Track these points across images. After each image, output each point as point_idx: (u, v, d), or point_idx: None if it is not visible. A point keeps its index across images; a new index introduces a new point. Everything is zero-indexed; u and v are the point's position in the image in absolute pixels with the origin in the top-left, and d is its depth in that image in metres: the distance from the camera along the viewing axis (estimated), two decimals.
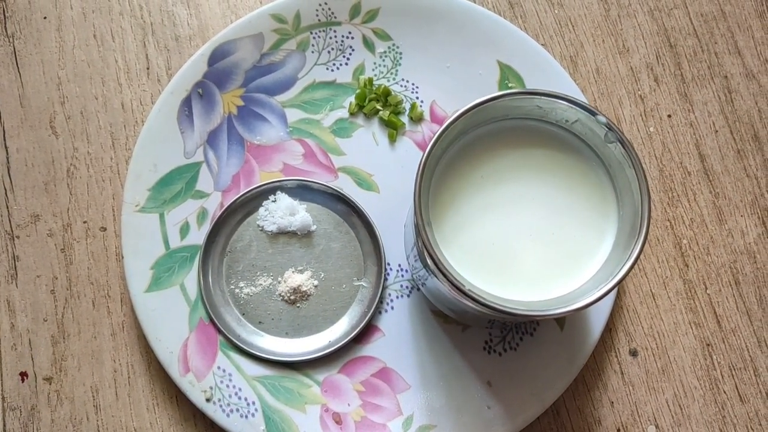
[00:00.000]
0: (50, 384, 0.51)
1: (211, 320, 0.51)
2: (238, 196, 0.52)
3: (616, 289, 0.50)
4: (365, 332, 0.51)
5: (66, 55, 0.56)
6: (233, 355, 0.50)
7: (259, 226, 0.53)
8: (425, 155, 0.39)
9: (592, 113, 0.39)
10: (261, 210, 0.53)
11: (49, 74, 0.56)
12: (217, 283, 0.52)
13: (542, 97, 0.40)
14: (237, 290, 0.52)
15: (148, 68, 0.56)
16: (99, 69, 0.56)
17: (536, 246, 0.42)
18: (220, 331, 0.50)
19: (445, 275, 0.38)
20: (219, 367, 0.50)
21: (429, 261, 0.39)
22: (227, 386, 0.49)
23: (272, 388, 0.50)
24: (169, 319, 0.50)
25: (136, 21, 0.57)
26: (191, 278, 0.51)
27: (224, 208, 0.52)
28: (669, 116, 0.57)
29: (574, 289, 0.41)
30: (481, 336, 0.51)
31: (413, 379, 0.50)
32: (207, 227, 0.52)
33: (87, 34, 0.56)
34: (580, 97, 0.54)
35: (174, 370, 0.49)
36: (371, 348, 0.51)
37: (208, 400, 0.49)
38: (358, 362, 0.51)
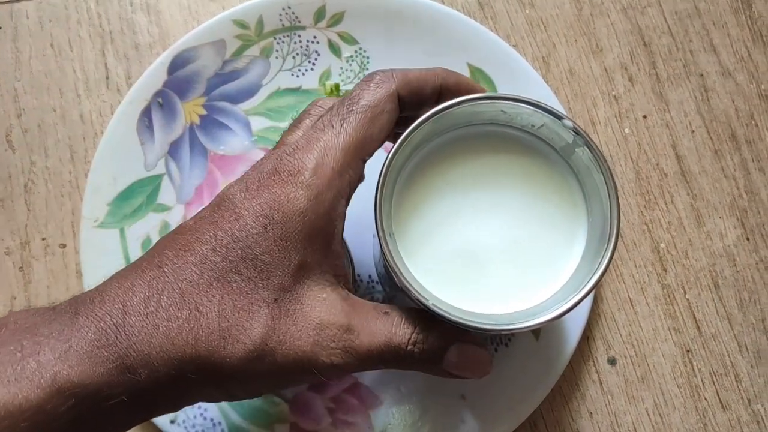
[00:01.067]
0: None
1: None
2: (202, 208, 0.50)
3: (591, 296, 0.49)
4: None
5: (22, 66, 0.54)
6: None
7: None
8: (385, 166, 0.37)
9: (558, 117, 0.38)
10: None
11: (5, 86, 0.54)
12: None
13: (506, 102, 0.38)
14: None
15: (107, 78, 0.54)
16: (57, 80, 0.54)
17: (504, 255, 0.40)
18: None
19: (408, 291, 0.36)
20: None
21: (393, 276, 0.38)
22: (192, 407, 0.48)
23: (239, 407, 0.48)
24: None
25: (94, 29, 0.55)
26: None
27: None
28: (644, 117, 0.55)
29: (544, 299, 0.40)
30: None
31: (385, 395, 0.49)
32: None
33: (44, 44, 0.55)
34: (553, 100, 0.52)
35: None
36: None
37: (172, 422, 0.47)
38: None
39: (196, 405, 0.47)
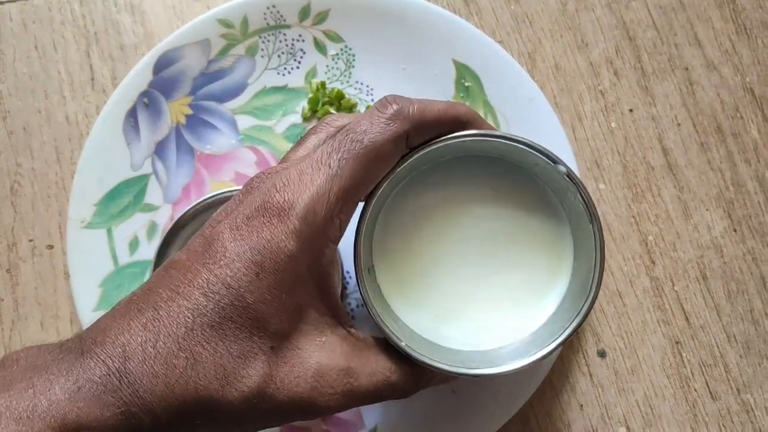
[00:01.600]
0: None
1: None
2: (189, 207, 0.50)
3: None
4: None
5: (6, 69, 0.54)
6: None
7: None
8: (367, 203, 0.38)
9: (553, 161, 0.38)
10: None
11: None
12: None
13: (502, 140, 0.38)
14: None
15: (92, 79, 0.54)
16: (41, 82, 0.54)
17: (486, 293, 0.41)
18: None
19: (382, 331, 0.37)
20: None
21: (369, 313, 0.38)
22: None
23: None
24: None
25: (79, 30, 0.55)
26: None
27: (175, 221, 0.50)
28: (630, 110, 0.56)
29: (520, 338, 0.40)
30: None
31: None
32: (157, 241, 0.50)
33: (28, 45, 0.54)
34: (539, 95, 0.52)
35: None
36: None
37: None
38: None
39: None
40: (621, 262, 0.53)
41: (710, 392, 0.51)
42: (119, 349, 0.31)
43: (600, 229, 0.37)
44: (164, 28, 0.55)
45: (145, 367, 0.31)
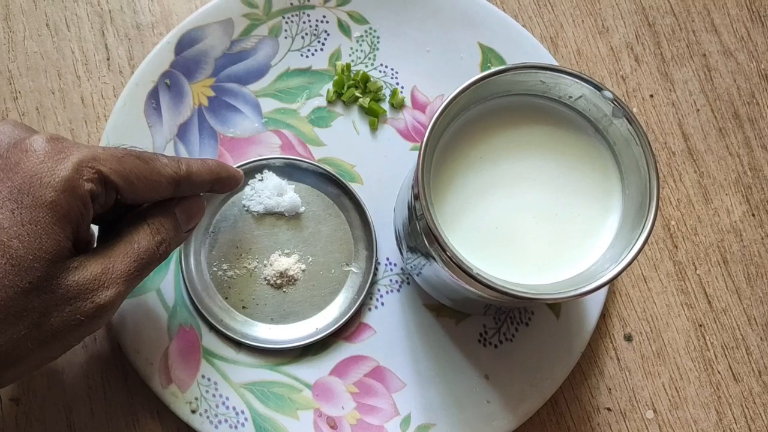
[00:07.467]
0: (18, 405, 0.47)
1: (194, 305, 0.48)
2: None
3: None
4: (356, 331, 0.49)
5: (17, 47, 0.52)
6: (218, 362, 0.47)
7: (244, 206, 0.50)
8: (427, 133, 0.37)
9: (598, 88, 0.38)
10: (247, 189, 0.50)
11: None
12: (199, 265, 0.48)
13: (547, 72, 0.38)
14: (220, 272, 0.49)
15: (108, 59, 0.52)
16: (54, 61, 0.52)
17: (540, 227, 0.40)
18: (204, 320, 0.48)
19: (452, 260, 0.36)
20: (203, 376, 0.47)
21: (434, 246, 0.37)
22: (213, 396, 0.46)
23: (261, 395, 0.47)
24: (146, 328, 0.47)
25: (92, 8, 0.53)
26: (168, 282, 0.48)
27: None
28: (651, 96, 0.56)
29: (581, 271, 0.40)
30: (475, 328, 0.49)
31: (408, 377, 0.48)
32: None
33: (39, 23, 0.52)
34: None
35: (155, 383, 0.46)
36: (363, 347, 0.49)
37: (193, 411, 0.46)
38: (350, 362, 0.48)
39: (218, 394, 0.46)
40: (645, 246, 0.53)
41: (733, 374, 0.52)
42: None
43: (650, 147, 0.38)
44: (182, 6, 0.53)
45: None
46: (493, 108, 0.41)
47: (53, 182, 0.34)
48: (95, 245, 0.40)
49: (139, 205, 0.41)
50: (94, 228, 0.41)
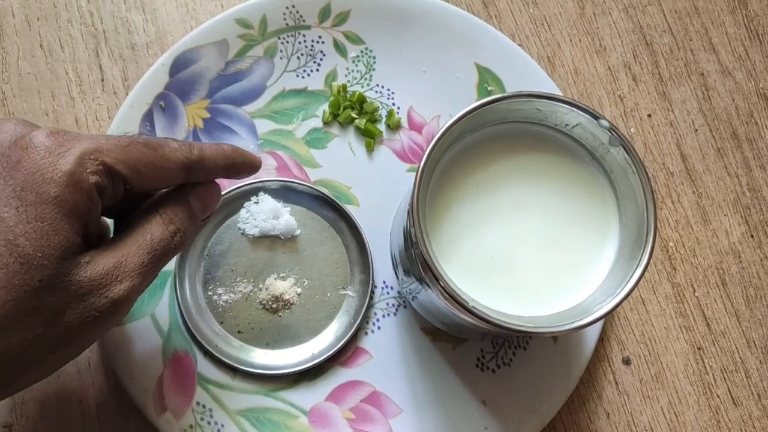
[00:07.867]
0: (10, 431, 0.47)
1: (189, 330, 0.47)
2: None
3: None
4: (352, 355, 0.48)
5: (10, 68, 0.51)
6: (213, 389, 0.47)
7: (240, 229, 0.49)
8: (423, 161, 0.36)
9: (595, 117, 0.38)
10: (242, 212, 0.49)
11: None
12: (194, 289, 0.48)
13: (542, 100, 0.38)
14: (215, 297, 0.48)
15: (102, 80, 0.52)
16: (48, 82, 0.51)
17: (538, 255, 0.40)
18: (199, 346, 0.47)
19: (446, 290, 0.35)
20: (198, 403, 0.46)
21: (429, 275, 0.37)
22: (209, 423, 0.46)
23: (257, 422, 0.46)
24: (140, 354, 0.46)
25: (86, 29, 0.52)
26: (162, 307, 0.48)
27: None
28: (649, 116, 0.56)
29: (579, 302, 0.39)
30: (472, 353, 0.49)
31: (405, 403, 0.48)
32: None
33: (33, 44, 0.52)
34: None
35: (150, 410, 0.45)
36: (359, 372, 0.48)
37: None
38: (346, 387, 0.48)
39: (213, 421, 0.46)
40: None
41: (732, 398, 0.52)
42: None
43: (647, 176, 0.37)
44: (177, 27, 0.53)
45: None
46: (490, 135, 0.41)
47: (56, 177, 0.33)
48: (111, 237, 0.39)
49: (153, 194, 0.40)
50: (110, 221, 0.40)
